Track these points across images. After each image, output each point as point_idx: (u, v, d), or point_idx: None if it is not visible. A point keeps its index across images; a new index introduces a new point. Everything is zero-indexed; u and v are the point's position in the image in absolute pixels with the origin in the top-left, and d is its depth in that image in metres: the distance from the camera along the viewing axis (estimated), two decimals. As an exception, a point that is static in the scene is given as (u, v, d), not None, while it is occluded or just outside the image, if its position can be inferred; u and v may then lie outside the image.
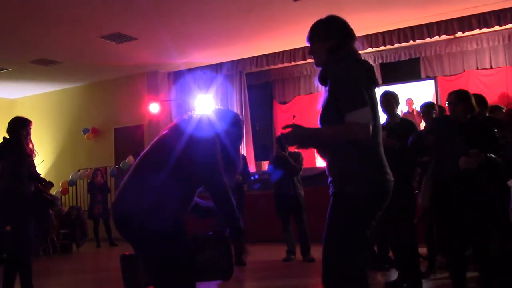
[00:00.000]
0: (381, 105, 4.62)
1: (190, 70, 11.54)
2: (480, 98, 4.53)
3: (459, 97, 3.89)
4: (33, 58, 10.11)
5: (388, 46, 9.78)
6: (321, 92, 2.52)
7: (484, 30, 9.09)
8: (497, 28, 8.97)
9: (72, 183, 11.93)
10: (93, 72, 11.47)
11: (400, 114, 5.27)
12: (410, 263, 4.42)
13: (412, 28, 9.18)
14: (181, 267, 2.49)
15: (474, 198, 3.73)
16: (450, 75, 10.82)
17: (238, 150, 2.81)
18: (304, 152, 7.13)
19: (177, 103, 11.64)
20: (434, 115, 5.23)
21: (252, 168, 11.33)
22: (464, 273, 3.90)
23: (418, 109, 9.88)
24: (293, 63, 10.90)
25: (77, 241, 9.55)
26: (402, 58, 10.77)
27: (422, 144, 4.08)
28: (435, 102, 9.16)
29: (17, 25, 8.29)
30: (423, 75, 11.05)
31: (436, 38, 9.44)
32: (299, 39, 9.36)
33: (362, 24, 8.34)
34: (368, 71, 2.36)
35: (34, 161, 5.00)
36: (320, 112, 2.41)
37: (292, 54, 10.34)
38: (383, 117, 4.55)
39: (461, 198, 3.77)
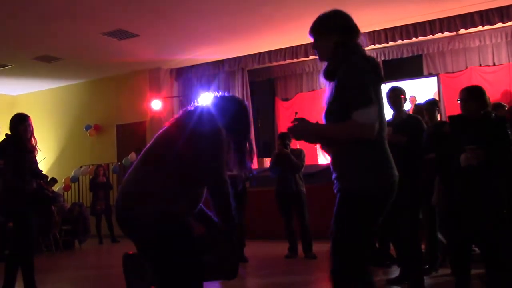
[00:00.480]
0: (388, 101, 4.61)
1: (192, 67, 11.54)
2: None
3: (470, 94, 3.88)
4: (36, 54, 10.12)
5: (391, 43, 9.76)
6: (324, 89, 2.49)
7: (487, 27, 9.07)
8: (500, 25, 8.94)
9: (74, 179, 11.95)
10: (95, 69, 11.47)
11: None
12: (412, 260, 4.41)
13: (414, 25, 9.16)
14: (187, 267, 2.44)
15: (477, 195, 3.72)
16: (453, 72, 10.80)
17: (243, 142, 2.68)
18: (306, 149, 7.14)
19: (179, 99, 11.65)
20: (436, 113, 5.22)
21: (254, 164, 11.33)
22: (468, 269, 3.89)
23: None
24: (295, 60, 10.88)
25: (80, 238, 9.57)
26: (405, 55, 10.74)
27: (441, 132, 4.04)
28: (438, 99, 9.16)
29: (19, 22, 8.29)
30: (425, 72, 11.03)
31: (439, 35, 9.42)
32: (302, 36, 9.34)
33: (364, 21, 8.25)
34: (375, 68, 2.34)
35: (36, 157, 5.01)
36: (325, 107, 2.39)
37: (294, 50, 10.32)
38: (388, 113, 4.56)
39: (464, 195, 3.77)
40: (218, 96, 2.73)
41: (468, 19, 8.68)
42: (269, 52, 10.64)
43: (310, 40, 2.52)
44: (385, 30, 9.37)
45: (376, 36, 9.37)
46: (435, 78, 10.88)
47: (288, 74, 12.36)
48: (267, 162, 10.16)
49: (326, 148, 2.50)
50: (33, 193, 4.89)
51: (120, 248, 3.62)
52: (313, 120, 2.44)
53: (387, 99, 4.62)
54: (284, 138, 6.81)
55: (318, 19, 2.48)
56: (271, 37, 9.74)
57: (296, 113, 8.41)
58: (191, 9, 8.13)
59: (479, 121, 3.81)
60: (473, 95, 3.87)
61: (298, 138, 2.45)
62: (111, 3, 7.74)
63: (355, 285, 2.28)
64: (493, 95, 7.97)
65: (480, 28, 9.12)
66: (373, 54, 10.64)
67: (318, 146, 2.59)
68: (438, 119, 5.34)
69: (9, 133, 4.86)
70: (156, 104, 11.35)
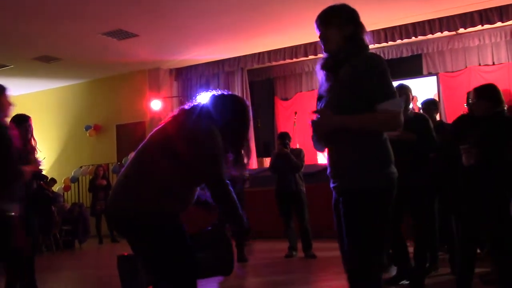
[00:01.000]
0: None
1: (192, 67, 11.55)
2: None
3: (479, 94, 3.89)
4: (35, 55, 10.12)
5: (390, 43, 9.77)
6: (321, 80, 2.46)
7: (486, 26, 9.08)
8: (499, 24, 8.95)
9: (74, 179, 11.95)
10: (94, 69, 11.47)
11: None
12: (418, 258, 4.41)
13: (414, 24, 9.16)
14: (181, 266, 2.43)
15: (478, 194, 3.73)
16: (452, 72, 10.80)
17: (241, 140, 2.64)
18: (305, 149, 7.15)
19: (179, 99, 11.65)
20: (435, 112, 5.22)
21: (254, 164, 11.33)
22: (472, 268, 3.88)
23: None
24: (294, 60, 10.89)
25: (80, 238, 9.58)
26: (404, 55, 10.74)
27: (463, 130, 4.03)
28: (437, 99, 9.17)
29: (19, 22, 8.29)
30: (425, 71, 11.03)
31: (438, 34, 9.43)
32: (301, 36, 9.35)
33: (364, 20, 8.23)
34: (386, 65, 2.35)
35: (36, 157, 5.01)
36: (327, 98, 2.35)
37: (294, 50, 10.33)
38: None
39: (467, 193, 3.78)
40: (218, 94, 2.68)
41: (468, 19, 8.69)
42: (268, 52, 10.64)
43: (310, 39, 2.51)
44: (384, 29, 9.38)
45: (375, 35, 9.38)
46: (434, 78, 10.88)
47: (288, 73, 12.36)
48: (267, 161, 10.16)
49: (323, 143, 2.45)
50: (33, 194, 4.89)
51: (120, 248, 3.65)
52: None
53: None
54: (284, 137, 6.81)
55: (330, 8, 2.42)
56: (270, 37, 9.74)
57: (295, 113, 8.44)
58: (191, 9, 8.14)
59: (487, 120, 3.80)
60: (481, 95, 3.88)
61: (321, 132, 2.35)
62: (111, 3, 7.74)
63: (371, 284, 2.28)
64: (492, 94, 7.97)
65: (479, 27, 9.13)
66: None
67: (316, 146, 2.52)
68: (438, 118, 5.32)
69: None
70: (156, 104, 11.35)
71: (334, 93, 2.33)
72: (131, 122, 11.85)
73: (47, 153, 11.82)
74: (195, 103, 2.65)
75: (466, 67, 10.65)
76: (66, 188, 11.97)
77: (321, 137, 2.40)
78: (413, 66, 11.08)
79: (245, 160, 2.68)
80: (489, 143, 3.68)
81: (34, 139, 4.95)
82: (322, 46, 2.44)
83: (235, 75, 11.65)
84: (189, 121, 2.52)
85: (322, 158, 10.52)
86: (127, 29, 8.88)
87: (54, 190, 10.55)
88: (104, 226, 10.11)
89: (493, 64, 10.38)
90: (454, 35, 10.07)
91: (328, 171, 2.39)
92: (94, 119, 12.30)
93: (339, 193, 2.35)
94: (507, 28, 9.69)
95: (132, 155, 10.06)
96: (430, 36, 9.52)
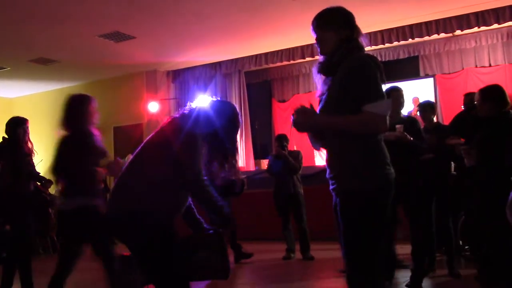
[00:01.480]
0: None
1: (189, 69, 11.54)
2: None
3: (483, 95, 3.90)
4: (32, 57, 10.11)
5: (387, 45, 9.79)
6: (318, 84, 2.47)
7: (482, 28, 9.10)
8: (495, 26, 8.97)
9: (71, 182, 11.90)
10: (91, 71, 11.46)
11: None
12: (416, 259, 4.41)
13: (411, 26, 9.18)
14: (175, 266, 2.47)
15: (477, 194, 3.74)
16: (449, 73, 10.83)
17: (234, 142, 2.74)
18: (303, 151, 7.16)
19: (176, 101, 11.64)
20: (432, 114, 5.23)
21: (251, 166, 11.34)
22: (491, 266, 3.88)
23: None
24: (292, 62, 10.90)
25: (77, 240, 9.53)
26: (401, 56, 10.76)
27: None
28: (434, 100, 9.19)
29: (15, 24, 8.28)
30: (422, 73, 11.06)
31: (435, 36, 9.45)
32: (298, 38, 9.36)
33: (360, 22, 8.24)
34: (379, 68, 2.33)
35: (33, 160, 5.01)
36: (323, 101, 2.36)
37: (291, 52, 10.33)
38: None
39: (470, 193, 3.80)
40: (214, 100, 2.79)
41: (464, 20, 8.71)
42: (265, 54, 10.65)
43: (307, 41, 2.52)
44: (381, 31, 9.39)
45: (372, 37, 9.39)
46: (431, 79, 10.91)
47: (285, 75, 12.37)
48: (264, 163, 10.16)
49: (320, 143, 2.46)
50: (30, 196, 4.89)
51: (117, 251, 3.63)
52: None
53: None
54: (282, 139, 6.82)
55: (325, 11, 2.43)
56: (267, 39, 9.75)
57: (293, 114, 8.40)
58: (188, 11, 8.14)
59: (490, 121, 3.82)
60: (486, 96, 3.90)
61: (302, 130, 2.38)
62: (108, 6, 7.74)
63: (369, 286, 2.27)
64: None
65: (476, 29, 9.15)
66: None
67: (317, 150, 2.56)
68: (435, 120, 5.33)
69: (6, 136, 4.86)
70: (153, 106, 11.34)
71: (329, 95, 2.34)
72: (129, 124, 11.83)
73: (44, 155, 11.78)
74: (193, 108, 2.70)
75: (462, 68, 10.68)
76: (63, 191, 11.92)
77: (312, 138, 2.43)
78: (410, 68, 11.12)
79: (235, 162, 2.76)
80: (491, 145, 3.69)
81: (30, 141, 4.94)
82: (318, 49, 2.45)
83: (232, 77, 11.65)
84: (187, 123, 2.55)
85: (320, 159, 10.53)
86: (124, 31, 8.88)
87: (51, 192, 10.52)
88: (101, 228, 10.08)
89: (490, 65, 10.41)
90: (450, 37, 10.10)
91: (327, 173, 2.40)
92: (91, 121, 12.26)
93: (336, 194, 2.36)
94: (503, 30, 9.73)
95: (129, 157, 10.03)
96: (426, 38, 9.54)
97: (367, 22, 8.70)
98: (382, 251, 2.32)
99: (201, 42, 9.72)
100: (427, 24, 9.03)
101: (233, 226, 2.65)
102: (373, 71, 2.25)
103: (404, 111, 10.31)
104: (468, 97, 4.99)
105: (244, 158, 11.40)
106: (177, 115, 2.69)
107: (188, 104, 2.77)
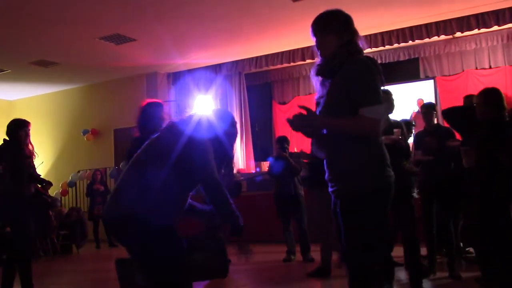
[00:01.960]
0: None
1: (189, 71, 11.54)
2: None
3: (483, 99, 3.91)
4: (33, 59, 10.11)
5: (387, 46, 9.78)
6: (317, 86, 2.49)
7: (483, 30, 9.10)
8: (496, 28, 8.97)
9: (71, 184, 11.92)
10: (92, 73, 11.47)
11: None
12: (414, 260, 4.41)
13: (411, 28, 9.18)
14: (176, 268, 2.47)
15: (477, 195, 3.74)
16: (449, 75, 10.83)
17: (232, 147, 2.80)
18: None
19: (177, 104, 11.64)
20: (434, 116, 5.23)
21: (252, 168, 11.34)
22: (493, 267, 3.87)
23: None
24: (292, 64, 10.89)
25: (77, 242, 9.55)
26: (401, 58, 10.76)
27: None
28: (435, 102, 9.18)
29: (16, 27, 8.29)
30: (422, 75, 11.05)
31: (435, 38, 9.45)
32: (299, 40, 9.37)
33: (361, 25, 8.22)
34: (378, 69, 2.34)
35: (34, 162, 5.01)
36: (323, 103, 2.37)
37: (291, 54, 10.33)
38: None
39: (469, 194, 3.80)
40: (215, 108, 2.90)
41: (464, 22, 8.71)
42: (266, 56, 10.65)
43: (307, 43, 2.52)
44: (381, 33, 9.39)
45: (372, 39, 9.39)
46: (431, 81, 10.91)
47: (285, 77, 12.37)
48: (265, 165, 10.17)
49: (320, 147, 2.48)
50: (31, 198, 4.89)
51: (117, 253, 3.64)
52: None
53: None
54: (283, 141, 6.83)
55: (324, 14, 2.44)
56: (268, 41, 9.75)
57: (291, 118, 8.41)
58: (188, 14, 8.15)
59: (489, 123, 3.82)
60: (485, 98, 3.91)
61: (296, 129, 2.39)
62: (108, 8, 7.74)
63: (370, 286, 2.27)
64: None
65: (476, 31, 9.15)
66: (370, 58, 10.68)
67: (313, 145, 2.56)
68: (435, 122, 5.33)
69: (7, 138, 4.86)
70: (154, 109, 11.32)
71: (328, 98, 2.35)
72: (129, 126, 11.74)
73: (44, 157, 11.81)
74: (193, 113, 2.75)
75: (463, 70, 10.68)
76: (64, 193, 11.94)
77: (315, 146, 2.44)
78: (410, 70, 11.12)
79: (232, 167, 2.83)
80: (490, 146, 3.70)
81: (31, 143, 4.95)
82: (318, 52, 2.46)
83: (233, 79, 11.66)
84: (188, 129, 2.58)
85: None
86: (124, 33, 8.89)
87: (51, 194, 10.53)
88: (101, 230, 10.10)
89: (490, 67, 10.41)
90: (451, 39, 10.10)
91: (326, 175, 2.40)
92: (91, 124, 12.29)
93: (336, 196, 2.36)
94: (503, 32, 9.73)
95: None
96: (427, 40, 9.54)
97: (367, 24, 8.71)
98: (382, 253, 2.32)
99: (201, 44, 9.73)
100: (427, 26, 9.03)
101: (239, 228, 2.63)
102: (373, 74, 2.26)
103: (408, 112, 10.32)
104: (468, 99, 5.00)
105: (244, 160, 11.41)
106: (177, 120, 2.71)
107: (188, 107, 2.81)
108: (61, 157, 12.78)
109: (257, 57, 10.75)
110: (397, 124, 4.51)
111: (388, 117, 4.49)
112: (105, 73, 11.46)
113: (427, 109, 5.30)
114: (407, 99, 10.52)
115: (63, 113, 12.82)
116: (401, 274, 5.00)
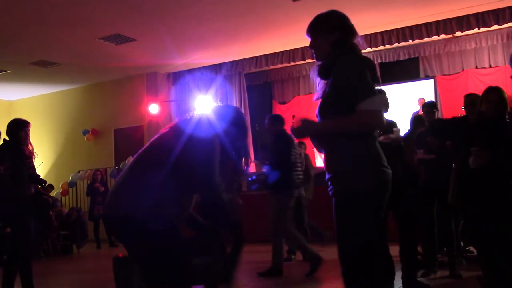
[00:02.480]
0: None
1: (190, 71, 11.54)
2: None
3: (497, 96, 3.91)
4: (33, 59, 10.11)
5: (387, 46, 9.79)
6: (317, 87, 2.50)
7: (483, 29, 9.11)
8: (496, 27, 8.98)
9: (72, 184, 11.92)
10: (92, 74, 11.47)
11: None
12: (405, 257, 4.41)
13: (411, 27, 9.18)
14: (176, 269, 2.44)
15: (487, 196, 3.73)
16: (449, 75, 10.83)
17: (240, 150, 2.67)
18: (305, 151, 7.15)
19: (177, 104, 11.64)
20: (436, 114, 5.24)
21: (251, 168, 11.33)
22: (496, 268, 3.86)
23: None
24: (292, 63, 10.90)
25: (78, 242, 9.55)
26: (401, 58, 10.77)
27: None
28: (435, 101, 9.18)
29: (16, 27, 8.29)
30: (422, 74, 11.06)
31: (435, 37, 9.45)
32: (299, 39, 9.37)
33: (361, 24, 8.29)
34: (370, 68, 2.34)
35: (34, 162, 5.00)
36: (319, 104, 2.39)
37: (291, 54, 10.34)
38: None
39: (475, 196, 3.80)
40: (218, 105, 2.78)
41: (464, 22, 8.72)
42: (266, 56, 10.66)
43: (307, 43, 2.53)
44: (381, 33, 9.39)
45: (372, 39, 9.40)
46: (431, 81, 10.91)
47: (285, 77, 12.38)
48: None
49: (320, 148, 2.49)
50: (31, 198, 4.89)
51: (118, 253, 3.64)
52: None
53: None
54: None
55: (315, 18, 2.47)
56: (268, 40, 9.75)
57: (293, 116, 8.38)
58: (188, 14, 8.15)
59: (493, 122, 3.82)
60: (482, 98, 3.90)
61: (301, 137, 2.44)
62: (108, 8, 7.74)
63: (363, 286, 2.27)
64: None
65: (476, 30, 9.15)
66: (370, 57, 10.66)
67: (315, 149, 2.58)
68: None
69: (7, 138, 4.85)
70: (154, 109, 11.35)
71: (324, 99, 2.36)
72: (129, 126, 11.84)
73: (44, 158, 11.81)
74: (195, 113, 2.68)
75: (463, 70, 10.68)
76: (64, 193, 11.94)
77: (314, 142, 2.47)
78: (410, 69, 11.12)
79: (244, 168, 2.73)
80: (498, 145, 3.69)
81: (31, 144, 4.94)
82: (314, 55, 2.50)
83: (233, 79, 11.66)
84: (189, 129, 2.53)
85: (321, 161, 10.53)
86: (124, 33, 8.89)
87: (52, 194, 10.53)
88: (102, 230, 10.10)
89: (490, 67, 10.42)
90: (451, 38, 10.11)
91: (326, 176, 2.41)
92: (91, 124, 12.29)
93: (332, 195, 2.37)
94: (503, 31, 9.73)
95: (130, 159, 10.09)
96: (427, 39, 9.54)
97: (367, 24, 8.71)
98: (378, 251, 2.32)
99: (201, 44, 9.73)
100: (427, 25, 9.03)
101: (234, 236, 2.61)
102: (361, 70, 2.27)
103: (410, 112, 10.29)
104: (469, 98, 4.99)
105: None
106: (179, 120, 2.66)
107: (190, 107, 2.76)
108: (61, 157, 12.78)
109: (257, 57, 10.76)
110: (392, 123, 4.52)
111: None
112: (105, 73, 11.46)
113: (428, 108, 5.30)
114: (407, 99, 10.52)
115: (63, 113, 12.82)
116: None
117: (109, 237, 10.03)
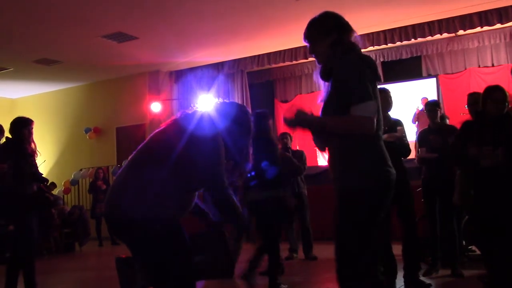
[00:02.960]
0: None
1: (192, 69, 11.55)
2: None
3: (502, 95, 3.90)
4: (35, 57, 10.13)
5: (390, 44, 9.77)
6: (322, 89, 2.51)
7: (485, 28, 9.08)
8: (498, 26, 8.95)
9: (74, 182, 11.94)
10: (94, 72, 11.48)
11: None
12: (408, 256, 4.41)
13: (413, 26, 9.17)
14: (179, 267, 2.42)
15: (499, 195, 3.72)
16: (452, 73, 10.82)
17: (241, 148, 2.63)
18: (306, 151, 7.14)
19: (179, 102, 11.66)
20: (439, 113, 5.22)
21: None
22: (499, 266, 3.86)
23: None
24: (294, 62, 10.90)
25: (80, 240, 9.57)
26: (404, 56, 10.75)
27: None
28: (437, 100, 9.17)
29: (19, 25, 8.30)
30: (424, 73, 11.04)
31: (438, 36, 9.43)
32: (301, 38, 9.22)
33: (363, 22, 8.34)
34: (370, 67, 2.34)
35: (36, 160, 5.01)
36: (322, 106, 2.39)
37: (293, 52, 10.34)
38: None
39: (485, 195, 3.79)
40: (218, 102, 2.73)
41: (467, 20, 8.70)
42: (268, 54, 10.65)
43: (306, 43, 2.53)
44: (384, 31, 9.38)
45: (375, 37, 9.38)
46: (434, 79, 10.89)
47: (288, 76, 12.38)
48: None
49: (321, 145, 2.48)
50: (33, 196, 4.89)
51: (120, 251, 3.64)
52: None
53: None
54: (282, 138, 6.82)
55: (310, 24, 2.49)
56: (270, 39, 9.75)
57: (291, 106, 8.40)
58: (191, 12, 8.15)
59: (499, 120, 3.81)
60: (486, 96, 3.89)
61: (291, 126, 2.43)
62: (111, 7, 7.75)
63: (361, 286, 2.28)
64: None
65: (478, 29, 9.13)
66: (372, 56, 10.66)
67: (316, 149, 2.58)
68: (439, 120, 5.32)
69: (10, 136, 4.86)
70: (156, 107, 11.36)
71: (328, 99, 2.37)
72: (131, 124, 11.85)
73: (47, 156, 11.83)
74: (196, 109, 2.65)
75: (465, 68, 10.66)
76: (66, 191, 11.96)
77: (316, 140, 2.48)
78: (413, 68, 11.11)
79: (245, 166, 2.70)
80: (504, 144, 3.68)
81: (34, 142, 4.94)
82: (315, 59, 2.51)
83: (235, 78, 11.65)
84: (191, 125, 2.50)
85: (323, 160, 10.52)
86: (127, 31, 8.89)
87: (54, 193, 10.55)
88: (104, 228, 10.11)
89: (493, 65, 10.40)
90: (453, 37, 10.09)
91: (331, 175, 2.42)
92: (94, 122, 12.30)
93: (336, 194, 2.37)
94: (506, 30, 9.71)
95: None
96: (429, 38, 9.52)
97: (370, 22, 8.70)
98: (374, 250, 2.32)
99: (203, 42, 9.73)
100: (430, 24, 9.02)
101: (245, 233, 2.61)
102: (360, 72, 2.27)
103: (412, 110, 10.22)
104: (472, 97, 4.98)
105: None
106: (180, 115, 2.63)
107: (191, 105, 2.73)
108: (64, 156, 12.80)
109: (259, 55, 10.75)
110: (396, 122, 4.50)
111: (388, 115, 4.48)
112: (108, 71, 11.47)
113: (431, 107, 5.28)
114: (409, 98, 10.51)
115: (65, 111, 12.83)
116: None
117: (111, 235, 10.03)
